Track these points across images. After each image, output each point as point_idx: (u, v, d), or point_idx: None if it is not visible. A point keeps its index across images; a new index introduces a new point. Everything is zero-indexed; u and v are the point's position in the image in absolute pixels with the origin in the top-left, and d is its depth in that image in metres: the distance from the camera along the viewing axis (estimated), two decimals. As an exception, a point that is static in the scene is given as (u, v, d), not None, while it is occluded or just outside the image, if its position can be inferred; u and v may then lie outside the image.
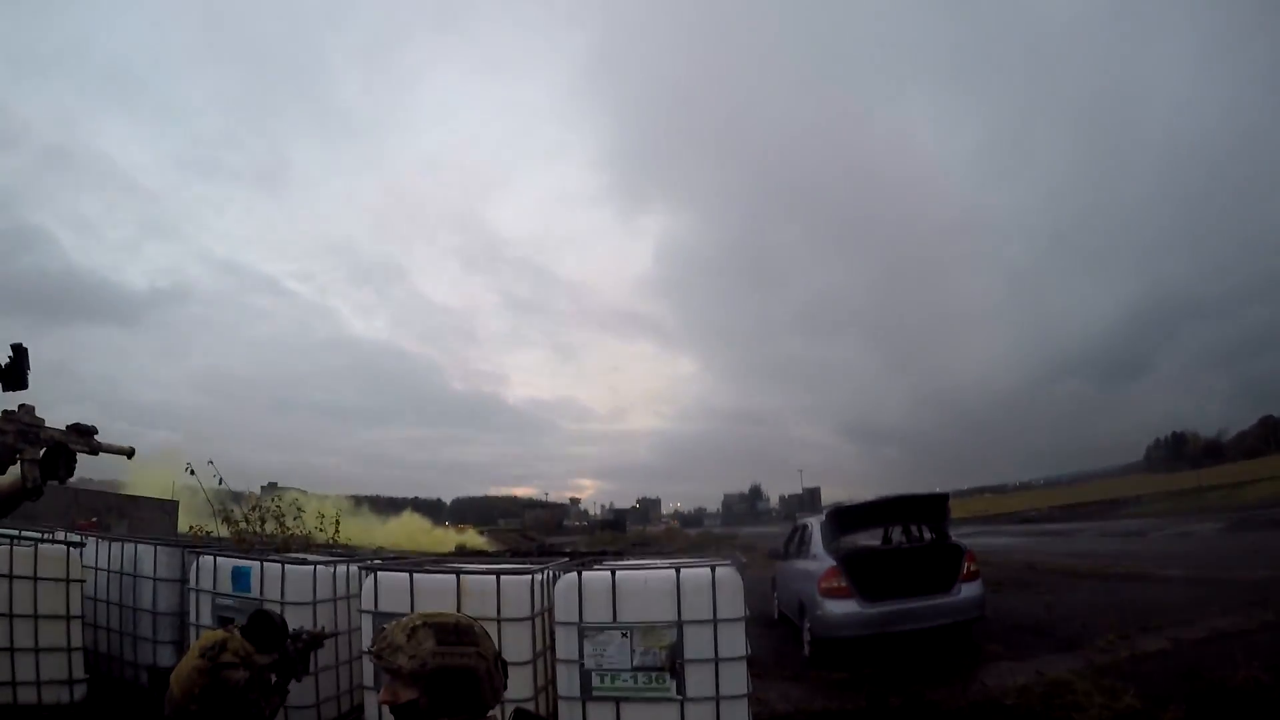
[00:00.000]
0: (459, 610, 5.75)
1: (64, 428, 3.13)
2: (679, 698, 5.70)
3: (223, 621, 6.33)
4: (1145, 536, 27.96)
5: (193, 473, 13.01)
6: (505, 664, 2.25)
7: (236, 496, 14.12)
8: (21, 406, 3.04)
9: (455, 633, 2.16)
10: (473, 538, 56.55)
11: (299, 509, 14.79)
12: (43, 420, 3.07)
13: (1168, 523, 33.71)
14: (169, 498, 26.16)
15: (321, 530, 14.93)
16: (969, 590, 9.79)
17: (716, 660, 5.71)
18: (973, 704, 7.49)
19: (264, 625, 5.65)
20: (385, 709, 2.17)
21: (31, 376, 3.06)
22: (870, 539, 12.90)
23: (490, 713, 2.18)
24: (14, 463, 3.01)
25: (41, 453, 3.05)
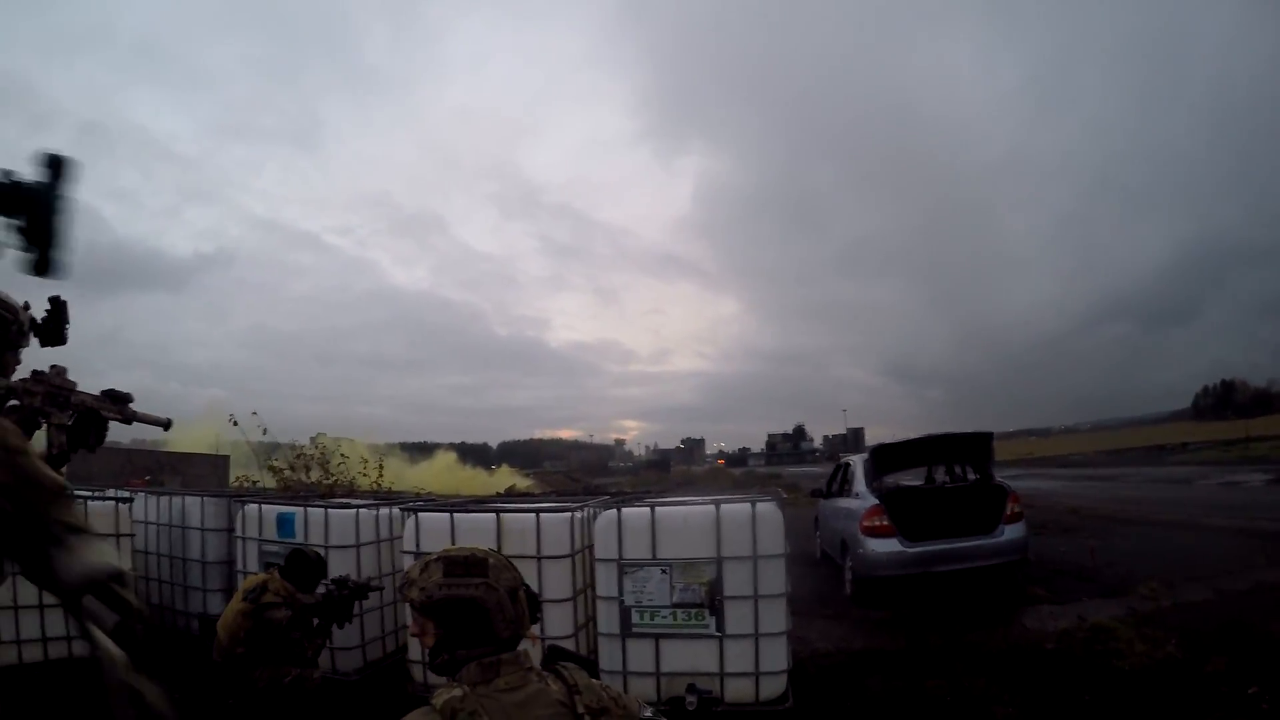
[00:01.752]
0: (499, 549, 5.82)
1: (98, 393, 3.00)
2: (718, 634, 5.74)
3: (268, 567, 6.47)
4: (1191, 485, 27.56)
5: (236, 424, 13.24)
6: (534, 597, 2.26)
7: (278, 447, 14.36)
8: (53, 367, 2.93)
9: (464, 565, 2.17)
10: (504, 477, 56.00)
11: (342, 455, 15.04)
12: (75, 384, 2.89)
13: (1215, 471, 33.25)
14: (218, 453, 26.55)
15: (365, 475, 15.18)
16: (1012, 532, 9.70)
17: (756, 597, 5.74)
18: (1013, 646, 7.46)
19: (300, 564, 5.82)
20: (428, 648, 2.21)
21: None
22: (913, 478, 12.85)
23: (521, 646, 2.18)
24: (40, 427, 2.89)
25: (71, 418, 2.92)
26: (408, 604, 2.20)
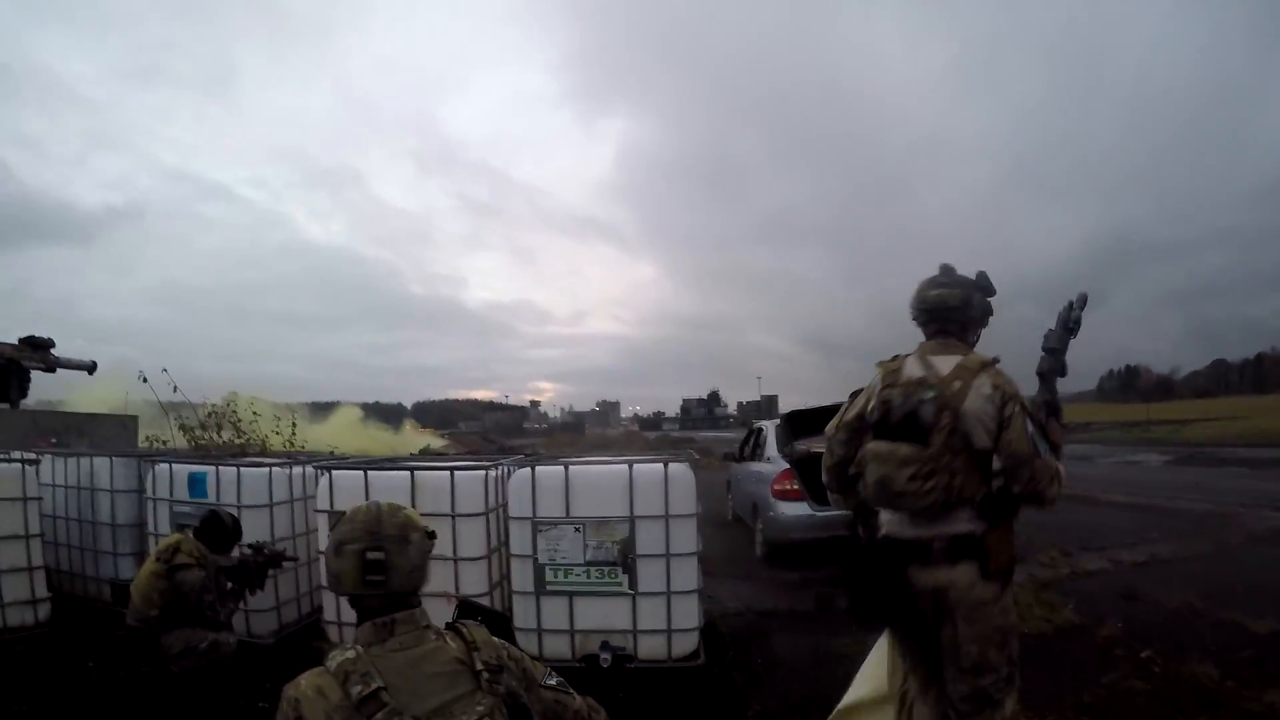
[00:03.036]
0: (413, 507, 5.78)
1: (15, 342, 2.81)
2: (631, 592, 5.80)
3: (181, 529, 6.37)
4: (1092, 462, 28.45)
5: (145, 380, 12.84)
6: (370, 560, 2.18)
7: (189, 406, 14.02)
8: None
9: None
10: (410, 435, 53.41)
11: (254, 413, 14.78)
12: None
13: (1115, 451, 34.26)
14: (126, 413, 25.66)
15: (278, 434, 14.94)
16: None
17: (668, 555, 5.80)
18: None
19: (215, 526, 5.76)
20: (343, 610, 2.21)
21: None
22: (824, 444, 12.97)
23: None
24: None
25: None
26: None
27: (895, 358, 3.82)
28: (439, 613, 2.35)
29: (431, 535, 2.29)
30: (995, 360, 3.56)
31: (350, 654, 2.02)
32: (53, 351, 2.86)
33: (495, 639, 2.23)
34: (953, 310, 3.69)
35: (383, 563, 2.13)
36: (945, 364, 3.57)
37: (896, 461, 3.49)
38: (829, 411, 11.95)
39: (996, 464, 3.44)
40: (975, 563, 3.39)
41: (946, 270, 3.79)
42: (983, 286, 3.76)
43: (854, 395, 4.12)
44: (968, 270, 3.78)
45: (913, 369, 3.65)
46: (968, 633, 3.43)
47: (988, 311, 3.81)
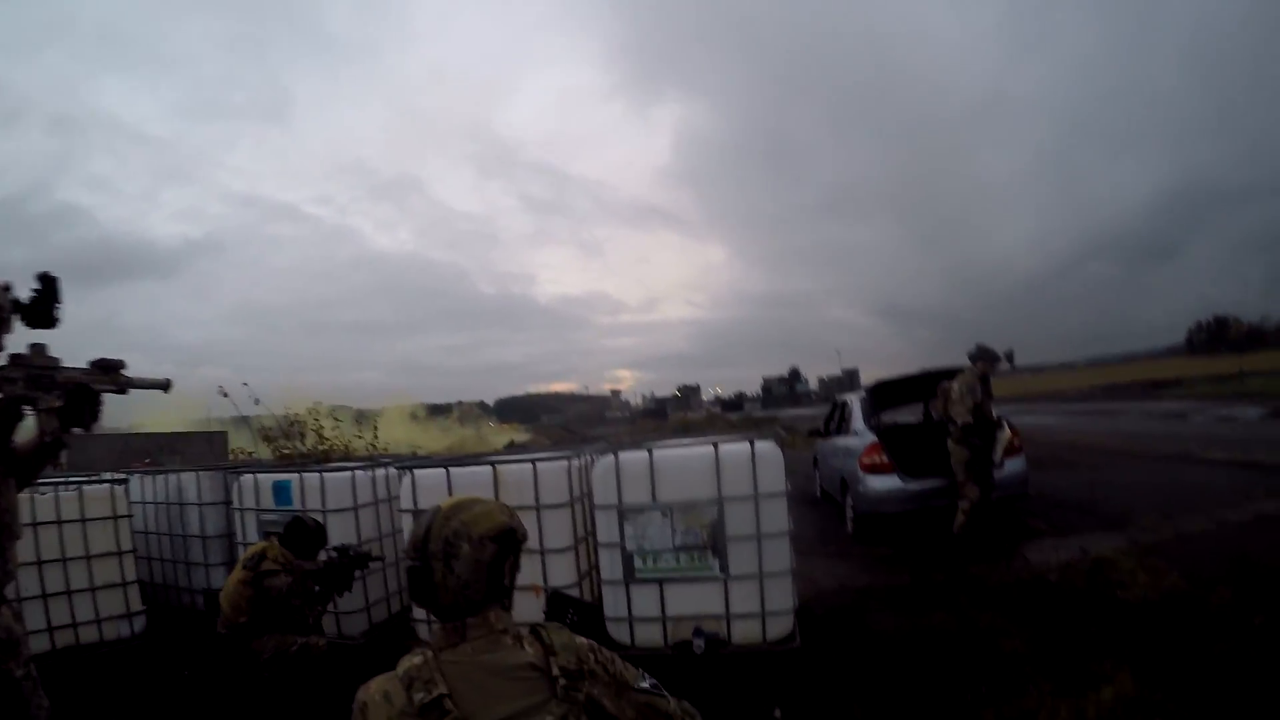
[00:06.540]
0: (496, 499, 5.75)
1: (86, 365, 2.73)
2: (722, 575, 5.68)
3: (267, 536, 6.46)
4: (1187, 419, 27.51)
5: (225, 395, 13.10)
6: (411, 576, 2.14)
7: (272, 418, 14.31)
8: (33, 347, 2.69)
9: (418, 531, 2.15)
10: (454, 429, 52.04)
11: (337, 420, 15.03)
12: (58, 360, 2.67)
13: (1210, 406, 33.18)
14: (214, 430, 26.29)
15: (360, 438, 15.17)
16: (1012, 466, 9.58)
17: (759, 536, 5.65)
18: (1017, 580, 7.45)
19: (299, 531, 5.85)
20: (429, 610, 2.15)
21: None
22: (911, 415, 12.74)
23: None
24: (23, 417, 2.61)
25: (60, 398, 2.65)
26: None
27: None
28: (529, 606, 2.23)
29: (502, 538, 2.10)
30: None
31: (418, 659, 1.96)
32: (123, 372, 2.80)
33: (582, 641, 2.12)
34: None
35: (427, 579, 2.05)
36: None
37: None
38: (913, 381, 11.76)
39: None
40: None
41: (979, 345, 9.12)
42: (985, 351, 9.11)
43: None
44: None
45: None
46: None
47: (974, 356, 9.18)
